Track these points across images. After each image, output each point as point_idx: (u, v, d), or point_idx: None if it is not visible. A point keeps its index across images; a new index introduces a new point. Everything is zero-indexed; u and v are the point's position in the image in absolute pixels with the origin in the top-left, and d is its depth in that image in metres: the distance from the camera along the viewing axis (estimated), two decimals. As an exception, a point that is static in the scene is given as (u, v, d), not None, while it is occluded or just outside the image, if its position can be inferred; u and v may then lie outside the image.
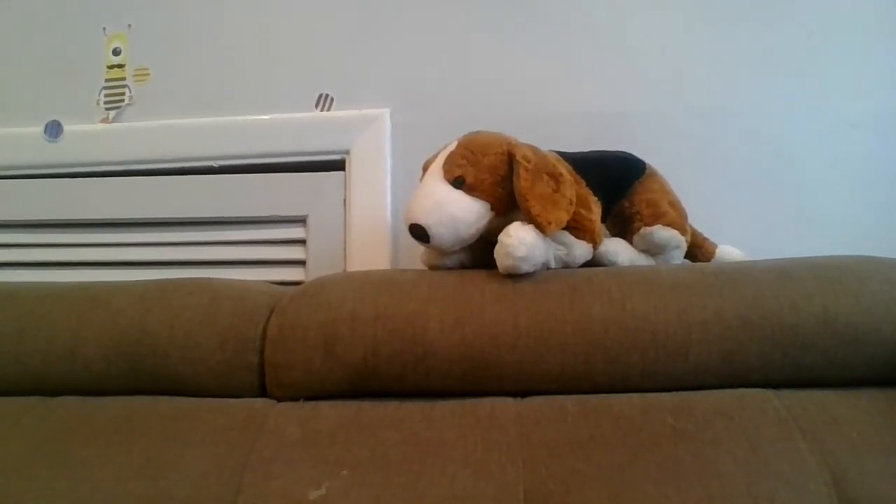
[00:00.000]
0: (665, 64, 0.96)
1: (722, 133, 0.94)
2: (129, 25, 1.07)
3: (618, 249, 0.75)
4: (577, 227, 0.70)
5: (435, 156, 0.72)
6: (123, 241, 1.02)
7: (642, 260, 0.76)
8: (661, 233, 0.75)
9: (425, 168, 0.73)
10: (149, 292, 0.73)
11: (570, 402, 0.62)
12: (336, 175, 0.99)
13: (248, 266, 0.99)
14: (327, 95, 1.01)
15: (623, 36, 0.97)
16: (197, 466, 0.60)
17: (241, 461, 0.60)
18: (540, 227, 0.65)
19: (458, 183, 0.68)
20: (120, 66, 1.07)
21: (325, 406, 0.65)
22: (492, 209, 0.69)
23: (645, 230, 0.75)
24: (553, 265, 0.70)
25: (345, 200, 0.98)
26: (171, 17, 1.06)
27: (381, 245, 0.96)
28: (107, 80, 1.07)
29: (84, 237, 1.03)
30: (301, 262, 0.98)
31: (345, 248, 0.97)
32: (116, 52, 1.07)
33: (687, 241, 0.77)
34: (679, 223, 0.76)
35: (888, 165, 0.92)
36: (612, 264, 0.74)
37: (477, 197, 0.68)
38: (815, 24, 0.94)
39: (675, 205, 0.77)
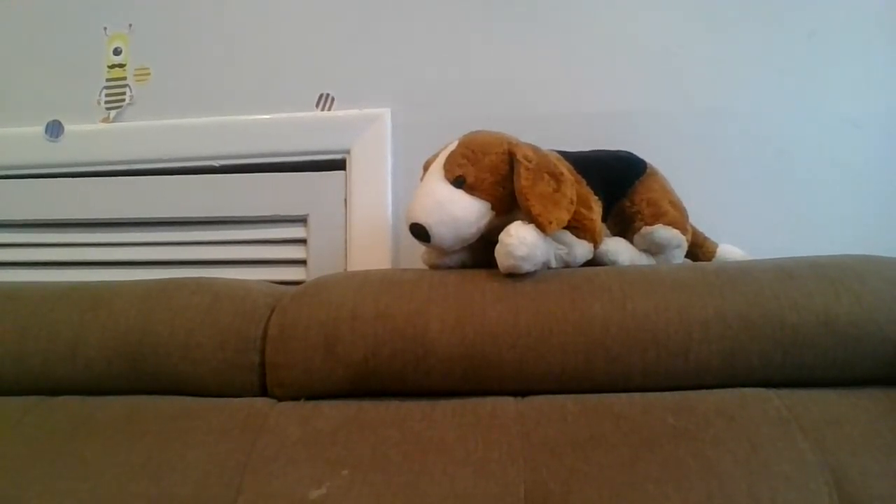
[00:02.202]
0: (667, 64, 0.96)
1: (723, 133, 0.94)
2: (130, 25, 1.07)
3: (618, 249, 0.75)
4: (577, 227, 0.70)
5: (436, 155, 0.72)
6: (124, 240, 1.02)
7: (643, 259, 0.76)
8: (662, 232, 0.75)
9: (426, 167, 0.73)
10: (150, 292, 0.73)
11: (570, 401, 0.62)
12: (337, 174, 0.99)
13: (249, 265, 1.00)
14: (328, 95, 1.02)
15: (624, 35, 0.97)
16: (198, 466, 0.60)
17: (242, 460, 0.60)
18: (541, 227, 0.65)
19: (458, 182, 0.68)
20: (121, 65, 1.07)
21: (325, 405, 0.65)
22: (492, 209, 0.69)
23: (646, 229, 0.75)
24: (554, 264, 0.70)
25: (345, 200, 0.98)
26: (172, 17, 1.07)
27: (381, 244, 0.96)
28: (108, 80, 1.07)
29: (85, 237, 1.03)
30: (302, 262, 0.98)
31: (345, 248, 0.97)
32: (117, 52, 1.07)
33: (688, 241, 0.77)
34: (680, 222, 0.76)
35: (889, 165, 0.92)
36: (613, 264, 0.73)
37: (478, 196, 0.68)
38: (816, 24, 0.94)
39: (676, 204, 0.77)
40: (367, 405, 0.64)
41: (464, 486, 0.56)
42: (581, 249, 0.71)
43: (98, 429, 0.65)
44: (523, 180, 0.65)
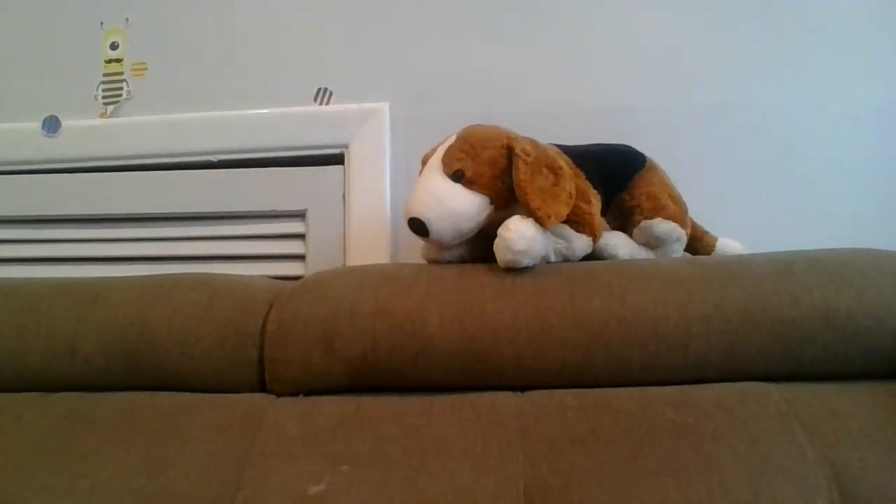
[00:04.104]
0: (668, 58, 0.96)
1: (723, 127, 0.94)
2: (127, 20, 1.07)
3: (618, 243, 0.75)
4: (576, 221, 0.70)
5: (434, 149, 0.72)
6: (122, 236, 1.02)
7: (642, 253, 0.76)
8: (661, 226, 0.75)
9: (424, 162, 0.73)
10: (148, 288, 0.73)
11: (570, 396, 0.62)
12: (335, 169, 0.99)
13: (248, 261, 0.99)
14: (326, 89, 1.01)
15: (625, 29, 0.97)
16: (197, 462, 0.60)
17: (241, 456, 0.60)
18: (539, 221, 0.65)
19: (457, 177, 0.68)
20: (118, 60, 1.07)
21: (324, 401, 0.65)
22: (491, 203, 0.69)
23: (645, 223, 0.75)
24: (553, 259, 0.70)
25: (344, 195, 0.98)
26: (169, 12, 1.06)
27: (380, 239, 0.96)
28: (105, 75, 1.07)
29: (83, 233, 1.03)
30: (300, 257, 0.98)
31: (344, 243, 0.97)
32: (114, 47, 1.07)
33: (687, 234, 0.77)
34: (679, 216, 0.76)
35: (889, 159, 0.91)
36: (612, 258, 0.73)
37: (476, 191, 0.68)
38: (817, 20, 0.94)
39: (675, 198, 0.77)
40: (367, 401, 0.64)
41: (463, 482, 0.56)
42: (580, 243, 0.70)
43: (96, 425, 0.65)
44: (522, 174, 0.65)
